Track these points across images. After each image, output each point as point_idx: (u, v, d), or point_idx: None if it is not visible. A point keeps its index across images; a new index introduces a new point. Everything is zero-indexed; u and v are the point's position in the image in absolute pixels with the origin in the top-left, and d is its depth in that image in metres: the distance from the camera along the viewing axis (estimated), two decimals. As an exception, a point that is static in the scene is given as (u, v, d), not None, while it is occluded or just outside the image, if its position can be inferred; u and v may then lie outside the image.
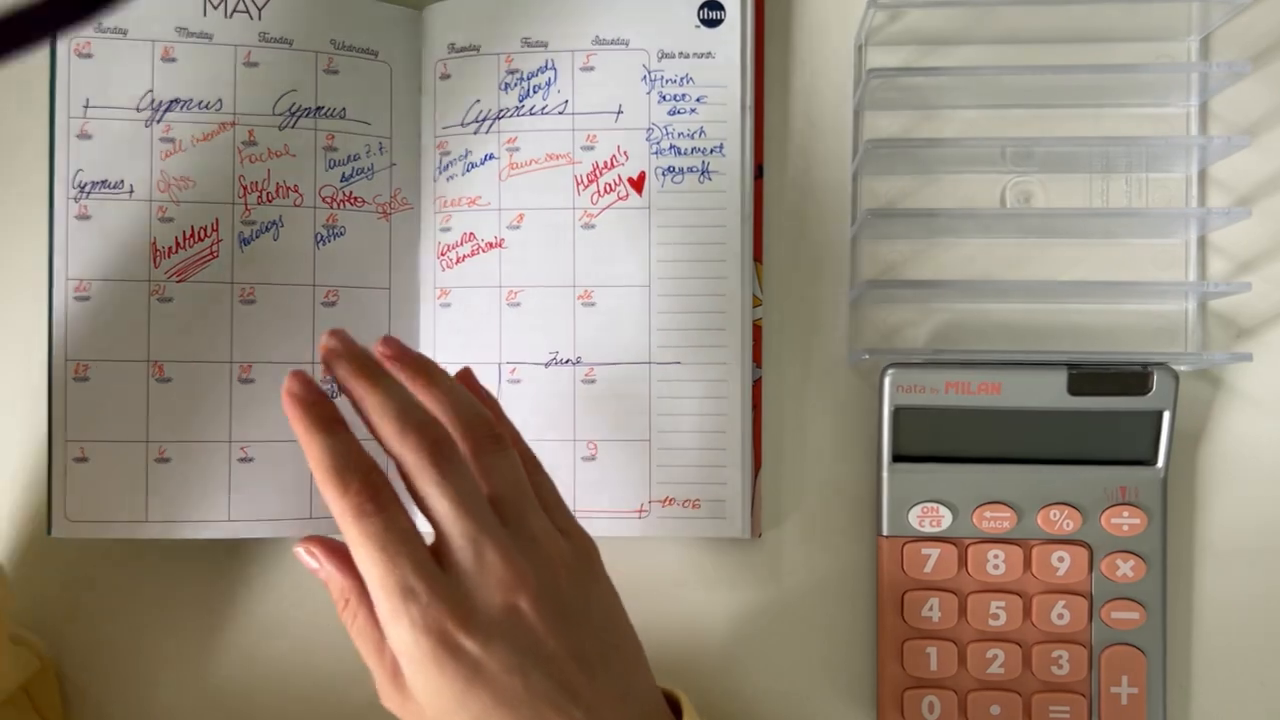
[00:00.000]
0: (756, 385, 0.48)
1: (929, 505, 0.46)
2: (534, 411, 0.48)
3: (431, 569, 0.34)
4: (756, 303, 0.48)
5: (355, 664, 0.48)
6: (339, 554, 0.37)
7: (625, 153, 0.48)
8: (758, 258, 0.48)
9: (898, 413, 0.46)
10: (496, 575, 0.35)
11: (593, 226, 0.48)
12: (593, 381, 0.48)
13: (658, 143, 0.48)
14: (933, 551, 0.46)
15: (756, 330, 0.48)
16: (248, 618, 0.50)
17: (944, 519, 0.46)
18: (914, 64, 0.49)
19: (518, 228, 0.48)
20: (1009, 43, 0.49)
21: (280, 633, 0.50)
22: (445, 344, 0.49)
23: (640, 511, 0.48)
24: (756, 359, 0.48)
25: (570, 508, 0.41)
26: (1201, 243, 0.48)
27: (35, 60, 0.48)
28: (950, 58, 0.49)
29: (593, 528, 0.40)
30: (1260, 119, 0.48)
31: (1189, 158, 0.47)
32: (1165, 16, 0.47)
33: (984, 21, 0.48)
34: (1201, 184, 0.48)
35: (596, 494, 0.48)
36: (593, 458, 0.48)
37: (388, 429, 0.35)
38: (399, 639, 0.34)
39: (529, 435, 0.44)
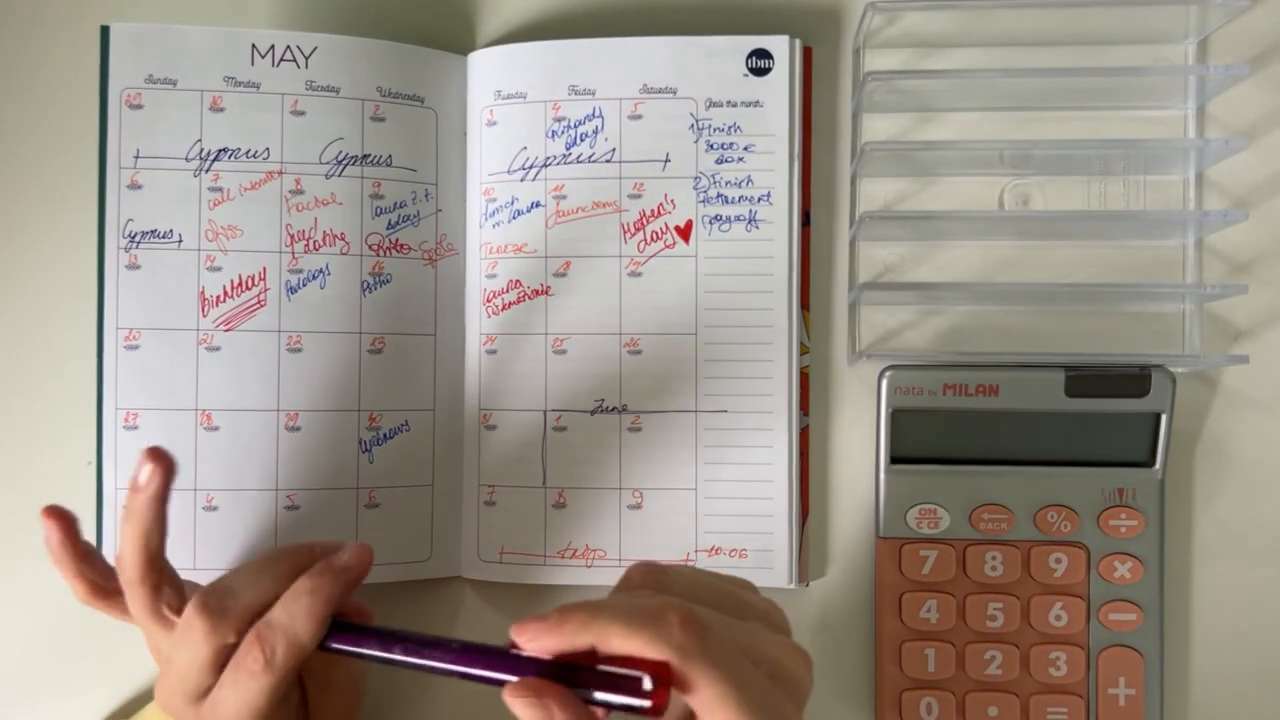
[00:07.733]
0: (804, 433, 0.48)
1: (927, 507, 0.46)
2: (579, 460, 0.48)
3: None
4: (804, 350, 0.48)
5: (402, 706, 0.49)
6: (559, 695, 0.34)
7: (673, 201, 0.48)
8: (805, 305, 0.48)
9: (895, 415, 0.46)
10: None
11: (639, 274, 0.48)
12: (639, 429, 0.48)
13: (705, 191, 0.48)
14: (931, 553, 0.46)
15: (804, 378, 0.48)
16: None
17: (942, 520, 0.46)
18: (912, 67, 0.49)
19: (564, 275, 0.48)
20: (1007, 45, 0.49)
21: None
22: (491, 390, 0.49)
23: (686, 561, 0.48)
24: (804, 407, 0.48)
25: (617, 557, 0.47)
26: (1199, 245, 0.48)
27: (86, 111, 0.48)
28: (948, 60, 0.49)
29: None
30: (1258, 121, 0.48)
31: (1187, 160, 0.47)
32: (1163, 19, 0.47)
33: (982, 24, 0.48)
34: (1199, 186, 0.48)
35: (642, 543, 0.48)
36: (638, 506, 0.48)
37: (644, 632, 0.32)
38: None
39: (575, 484, 0.46)
